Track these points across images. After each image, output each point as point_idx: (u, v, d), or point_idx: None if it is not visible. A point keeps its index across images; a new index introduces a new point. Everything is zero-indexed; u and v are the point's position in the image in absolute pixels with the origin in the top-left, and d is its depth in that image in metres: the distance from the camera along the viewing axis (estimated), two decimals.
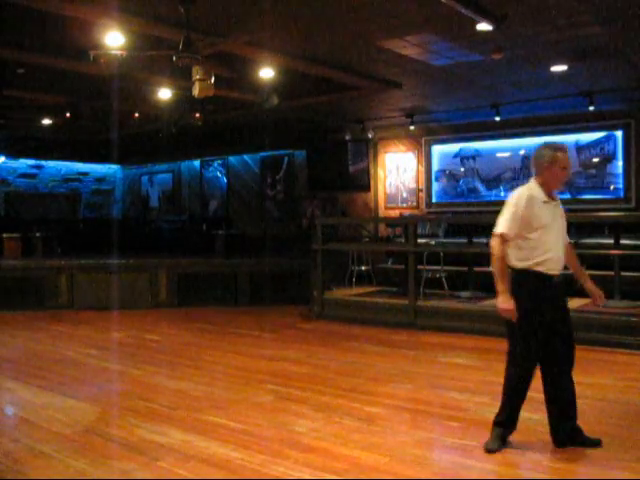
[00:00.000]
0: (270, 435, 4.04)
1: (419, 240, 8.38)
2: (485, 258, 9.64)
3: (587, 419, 4.25)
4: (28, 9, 5.50)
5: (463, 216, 11.10)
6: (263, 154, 13.72)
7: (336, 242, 10.13)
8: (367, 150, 12.29)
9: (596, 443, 3.70)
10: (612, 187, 9.94)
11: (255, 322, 8.81)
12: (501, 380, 5.30)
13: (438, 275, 8.89)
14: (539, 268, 3.60)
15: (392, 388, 5.20)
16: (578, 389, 4.98)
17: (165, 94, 8.45)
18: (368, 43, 6.58)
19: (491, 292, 8.40)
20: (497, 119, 9.89)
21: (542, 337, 3.63)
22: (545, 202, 3.64)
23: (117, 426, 4.27)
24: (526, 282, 3.62)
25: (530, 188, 3.69)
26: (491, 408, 4.52)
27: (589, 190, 10.14)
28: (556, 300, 3.67)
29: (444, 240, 10.34)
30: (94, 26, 5.76)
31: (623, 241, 7.57)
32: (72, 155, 14.92)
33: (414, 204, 11.89)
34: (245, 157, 14.14)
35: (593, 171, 10.13)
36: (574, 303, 7.56)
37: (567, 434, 3.71)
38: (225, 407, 4.67)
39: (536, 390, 4.98)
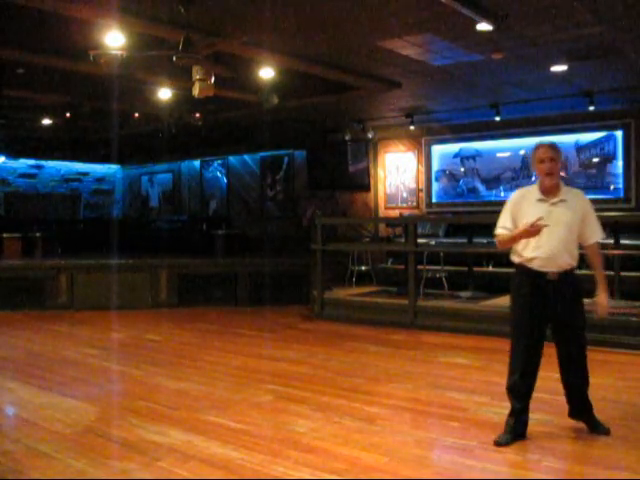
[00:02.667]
0: (270, 435, 4.04)
1: (419, 240, 8.38)
2: (485, 258, 9.72)
3: None
4: (28, 9, 5.50)
5: (463, 216, 11.09)
6: (263, 154, 13.72)
7: (336, 242, 10.13)
8: (367, 150, 12.29)
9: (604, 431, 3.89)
10: (612, 187, 9.94)
11: (255, 322, 8.81)
12: (501, 380, 5.31)
13: (438, 275, 8.89)
14: (529, 264, 3.73)
15: (392, 388, 5.19)
16: None
17: (165, 94, 8.45)
18: (368, 43, 6.58)
19: (491, 292, 8.46)
20: (497, 119, 9.89)
21: (529, 332, 3.79)
22: (540, 200, 3.72)
23: (117, 426, 4.27)
24: (517, 277, 3.85)
25: (527, 187, 3.88)
26: (491, 408, 4.54)
27: (589, 190, 10.11)
28: (549, 298, 3.72)
29: (444, 240, 10.34)
30: (94, 26, 5.75)
31: (623, 241, 7.57)
32: (72, 155, 14.93)
33: (414, 204, 11.89)
34: (245, 157, 14.14)
35: (593, 171, 10.13)
36: None
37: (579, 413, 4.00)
38: (225, 407, 4.67)
39: (536, 389, 4.99)
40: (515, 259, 3.83)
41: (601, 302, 3.80)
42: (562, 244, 3.67)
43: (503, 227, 3.80)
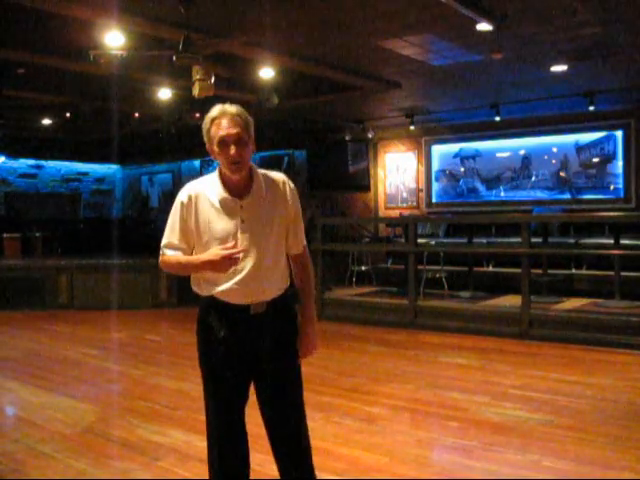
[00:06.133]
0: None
1: (419, 240, 8.37)
2: (485, 258, 9.73)
3: (587, 419, 4.26)
4: (28, 9, 5.50)
5: (463, 216, 11.10)
6: (263, 154, 13.71)
7: (336, 242, 10.12)
8: (367, 150, 12.29)
9: None
10: (612, 187, 9.95)
11: None
12: (501, 380, 5.32)
13: (438, 275, 8.89)
14: (225, 298, 2.40)
15: (392, 388, 5.19)
16: (578, 389, 5.01)
17: (165, 94, 8.45)
18: (368, 43, 6.58)
19: (491, 292, 8.46)
20: (497, 119, 9.89)
21: (226, 394, 2.49)
22: (225, 200, 2.38)
23: (117, 426, 4.27)
24: (206, 316, 2.46)
25: (201, 180, 2.49)
26: (491, 408, 4.54)
27: (589, 190, 10.15)
28: (253, 339, 2.43)
29: (444, 240, 10.34)
30: (94, 26, 5.75)
31: (623, 241, 7.57)
32: (72, 155, 14.92)
33: (414, 204, 11.89)
34: None
35: (593, 171, 10.14)
36: (572, 303, 7.58)
37: None
38: None
39: (533, 390, 5.00)
40: (200, 291, 2.46)
41: (305, 339, 2.59)
42: (268, 259, 2.39)
43: (169, 245, 2.44)
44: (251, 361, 2.45)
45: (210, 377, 2.48)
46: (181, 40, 5.59)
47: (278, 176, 2.48)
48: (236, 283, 2.36)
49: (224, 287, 2.37)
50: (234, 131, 2.29)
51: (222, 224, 2.36)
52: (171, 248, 2.43)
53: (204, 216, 2.38)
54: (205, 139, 2.38)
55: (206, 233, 2.38)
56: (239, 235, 2.35)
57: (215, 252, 2.27)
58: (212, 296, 2.41)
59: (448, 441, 3.91)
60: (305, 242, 2.54)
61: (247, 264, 2.36)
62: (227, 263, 2.25)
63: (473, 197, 11.32)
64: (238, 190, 2.38)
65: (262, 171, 2.45)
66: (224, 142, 2.31)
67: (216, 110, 2.34)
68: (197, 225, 2.39)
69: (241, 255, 2.29)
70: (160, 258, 2.47)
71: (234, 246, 2.28)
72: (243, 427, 2.53)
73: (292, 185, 2.48)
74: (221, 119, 2.31)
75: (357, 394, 4.97)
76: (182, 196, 2.44)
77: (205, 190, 2.41)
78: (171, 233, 2.44)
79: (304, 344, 2.56)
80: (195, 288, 2.49)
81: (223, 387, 2.46)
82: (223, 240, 2.33)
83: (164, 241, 2.46)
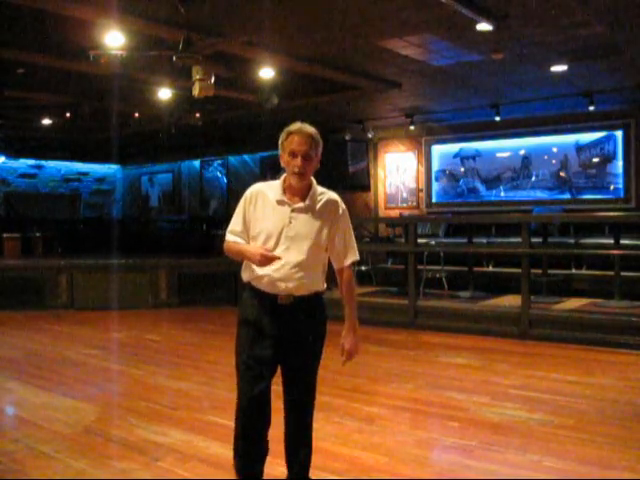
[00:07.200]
0: (270, 435, 4.03)
1: (419, 240, 8.37)
2: (485, 258, 9.73)
3: (587, 419, 4.26)
4: (28, 9, 5.50)
5: (463, 216, 11.09)
6: (263, 154, 13.70)
7: None
8: (367, 150, 12.29)
9: None
10: (612, 187, 9.94)
11: None
12: (501, 380, 5.32)
13: (438, 275, 8.89)
14: (258, 284, 2.78)
15: (392, 388, 5.19)
16: (578, 389, 5.02)
17: (165, 94, 8.45)
18: (368, 43, 6.59)
19: (491, 292, 8.46)
20: (497, 119, 9.89)
21: (251, 375, 2.85)
22: (280, 202, 2.77)
23: (117, 426, 4.27)
24: (244, 300, 2.86)
25: (268, 182, 2.89)
26: (491, 408, 4.54)
27: (589, 190, 10.14)
28: (278, 327, 2.77)
29: (444, 240, 10.34)
30: (94, 26, 5.75)
31: (623, 241, 7.57)
32: (72, 155, 14.93)
33: (414, 204, 11.89)
34: (245, 157, 14.14)
35: (593, 171, 10.13)
36: (572, 303, 7.58)
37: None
38: (225, 407, 4.66)
39: (533, 390, 5.00)
40: (245, 277, 2.83)
41: (348, 345, 3.03)
42: (302, 261, 2.73)
43: (232, 231, 2.83)
44: (275, 346, 2.76)
45: (239, 354, 2.81)
46: (181, 40, 5.60)
47: (334, 196, 2.90)
48: (267, 273, 2.72)
49: (258, 274, 2.74)
50: (303, 148, 2.78)
51: (272, 220, 2.73)
52: (233, 234, 2.83)
53: (260, 211, 2.77)
54: (279, 149, 2.84)
55: (258, 226, 2.76)
56: (283, 233, 2.72)
57: (257, 249, 2.68)
58: (250, 283, 2.80)
59: (448, 441, 3.91)
60: (355, 259, 2.99)
61: (283, 259, 2.70)
62: (262, 261, 2.64)
63: (473, 197, 11.32)
64: (295, 197, 2.78)
65: (322, 189, 2.89)
66: (293, 154, 2.78)
67: (294, 126, 2.83)
68: (254, 218, 2.78)
69: (274, 261, 2.66)
70: (225, 244, 2.85)
71: (273, 250, 2.68)
72: (267, 406, 2.97)
73: (344, 207, 2.91)
74: (295, 135, 2.81)
75: (357, 394, 4.97)
76: (247, 192, 2.84)
77: (267, 190, 2.81)
78: (235, 222, 2.84)
79: (342, 349, 3.00)
80: (242, 273, 2.84)
81: (249, 363, 2.78)
82: (270, 235, 2.72)
83: (229, 227, 2.86)
